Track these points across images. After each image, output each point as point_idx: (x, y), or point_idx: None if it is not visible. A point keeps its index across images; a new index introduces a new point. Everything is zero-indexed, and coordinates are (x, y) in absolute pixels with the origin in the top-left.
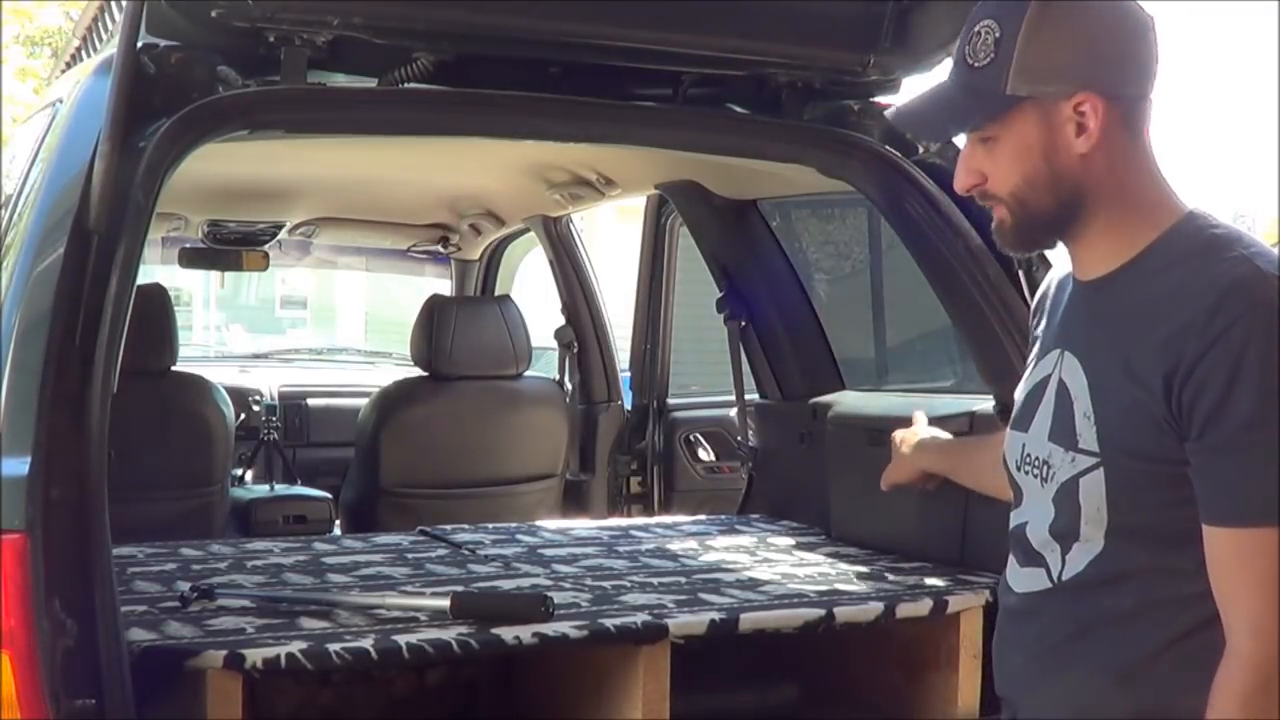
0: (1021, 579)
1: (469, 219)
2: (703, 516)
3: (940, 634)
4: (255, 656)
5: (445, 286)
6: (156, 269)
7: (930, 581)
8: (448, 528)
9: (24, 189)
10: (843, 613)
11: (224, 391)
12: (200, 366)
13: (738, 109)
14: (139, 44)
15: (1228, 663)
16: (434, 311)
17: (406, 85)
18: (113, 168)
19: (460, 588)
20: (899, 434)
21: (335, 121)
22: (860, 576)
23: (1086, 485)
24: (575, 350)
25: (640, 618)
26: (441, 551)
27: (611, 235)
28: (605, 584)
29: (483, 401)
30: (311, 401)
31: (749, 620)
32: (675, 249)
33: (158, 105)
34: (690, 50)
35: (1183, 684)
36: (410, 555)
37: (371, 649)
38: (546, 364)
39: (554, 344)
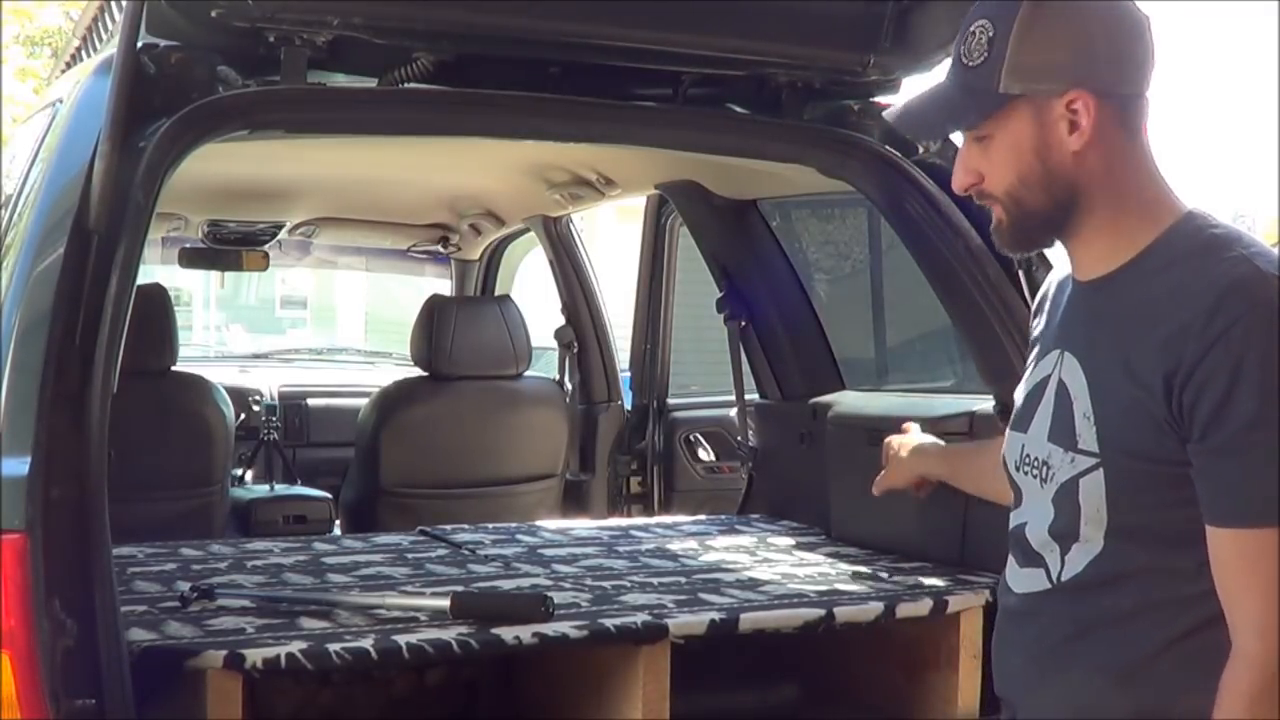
0: (1021, 579)
1: (469, 219)
2: (703, 516)
3: (940, 634)
4: (255, 656)
5: (445, 286)
6: (156, 269)
7: (930, 581)
8: (448, 528)
9: (24, 189)
10: (843, 613)
11: (224, 391)
12: (200, 366)
13: (738, 109)
14: (139, 44)
15: (1234, 663)
16: (434, 311)
17: (406, 85)
18: (113, 168)
19: (460, 588)
20: (893, 440)
21: (335, 121)
22: (860, 576)
23: (1086, 486)
24: (575, 350)
25: (640, 618)
26: (441, 551)
27: (611, 235)
28: (605, 584)
29: (483, 401)
30: (311, 401)
31: (749, 620)
32: (675, 249)
33: (158, 105)
34: (690, 50)
35: (1182, 684)
36: (410, 555)
37: (371, 649)
38: (546, 364)
39: (554, 344)
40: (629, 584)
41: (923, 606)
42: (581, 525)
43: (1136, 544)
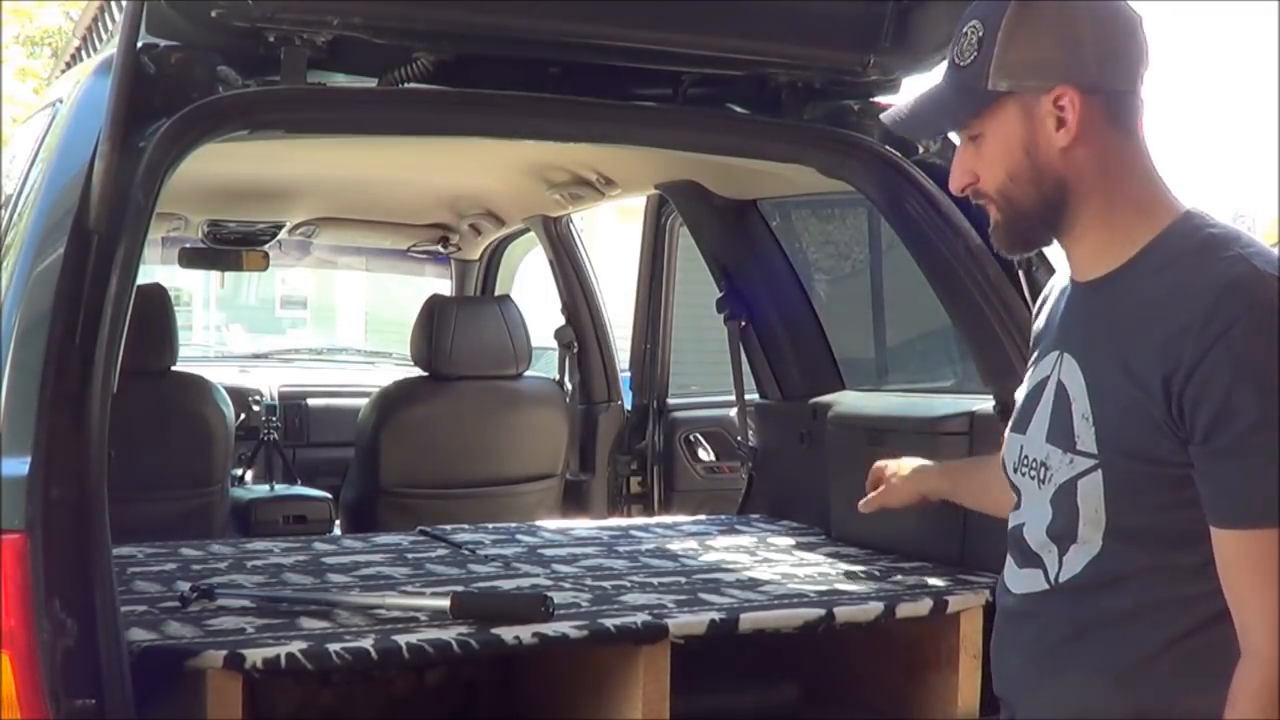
0: (1019, 580)
1: (469, 219)
2: (703, 516)
3: (940, 634)
4: (255, 656)
5: (445, 286)
6: (156, 269)
7: (930, 581)
8: (448, 528)
9: (24, 189)
10: (843, 613)
11: (224, 391)
12: (200, 366)
13: (738, 109)
14: (139, 44)
15: (1245, 664)
16: (434, 311)
17: (406, 85)
18: (113, 168)
19: (460, 588)
20: (888, 465)
21: (335, 121)
22: (860, 576)
23: (1084, 487)
24: (575, 350)
25: (640, 618)
26: (441, 551)
27: (611, 235)
28: (605, 584)
29: (483, 401)
30: (311, 401)
31: (749, 620)
32: (675, 249)
33: (158, 105)
34: (690, 50)
35: (1182, 685)
36: (410, 555)
37: (371, 649)
38: (546, 364)
39: (554, 344)
40: (629, 584)
41: (923, 606)
42: (581, 525)
43: (1135, 545)
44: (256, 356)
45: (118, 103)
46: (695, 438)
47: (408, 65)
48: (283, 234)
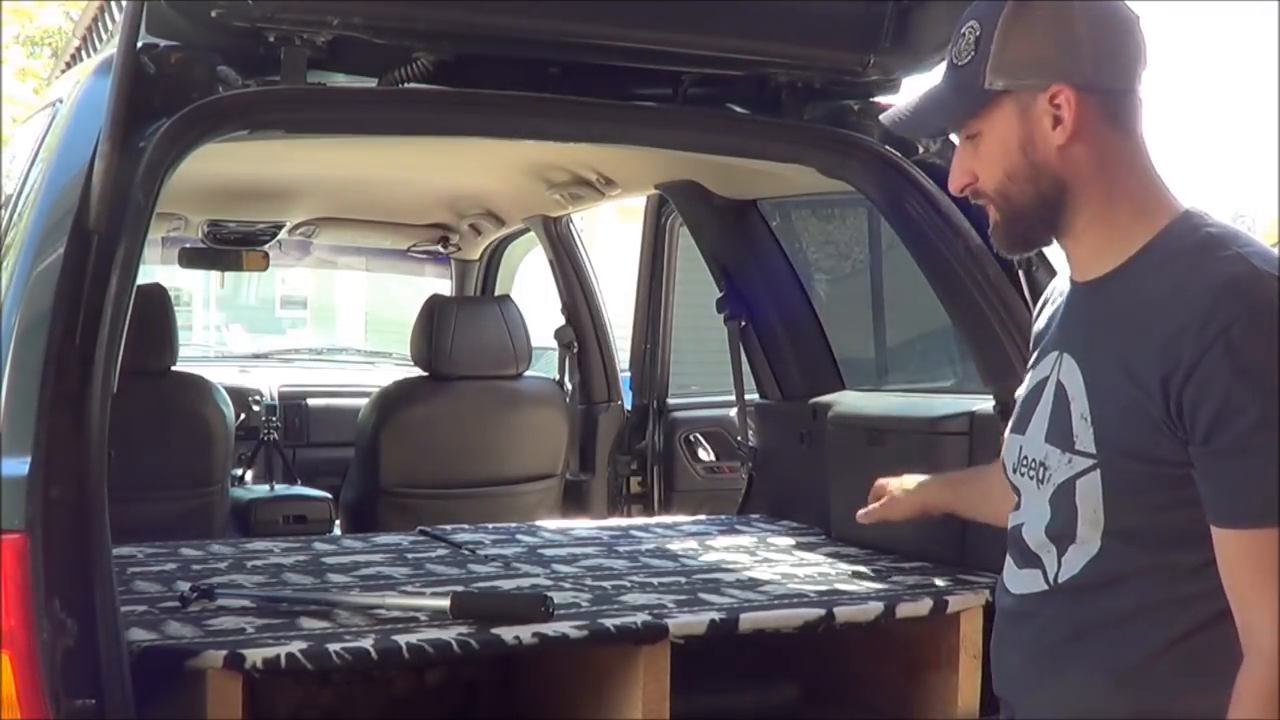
0: (1018, 580)
1: (469, 219)
2: (703, 516)
3: (940, 634)
4: (255, 656)
5: (445, 286)
6: (156, 269)
7: (930, 581)
8: (448, 528)
9: (24, 189)
10: (843, 613)
11: (224, 391)
12: (200, 366)
13: (738, 109)
14: (139, 44)
15: (1248, 663)
16: (434, 311)
17: (406, 85)
18: (113, 168)
19: (460, 588)
20: (890, 483)
21: (335, 121)
22: (860, 576)
23: (1083, 487)
24: (575, 350)
25: (640, 618)
26: (441, 551)
27: (611, 235)
28: (605, 584)
29: (483, 401)
30: (311, 401)
31: (749, 620)
32: (675, 249)
33: (158, 105)
34: (690, 50)
35: (1182, 686)
36: (410, 555)
37: (371, 649)
38: (546, 364)
39: (554, 344)
40: (629, 584)
41: (923, 606)
42: (581, 525)
43: (1134, 545)
44: (256, 356)
45: (118, 103)
46: (695, 438)
47: (408, 65)
48: (283, 234)
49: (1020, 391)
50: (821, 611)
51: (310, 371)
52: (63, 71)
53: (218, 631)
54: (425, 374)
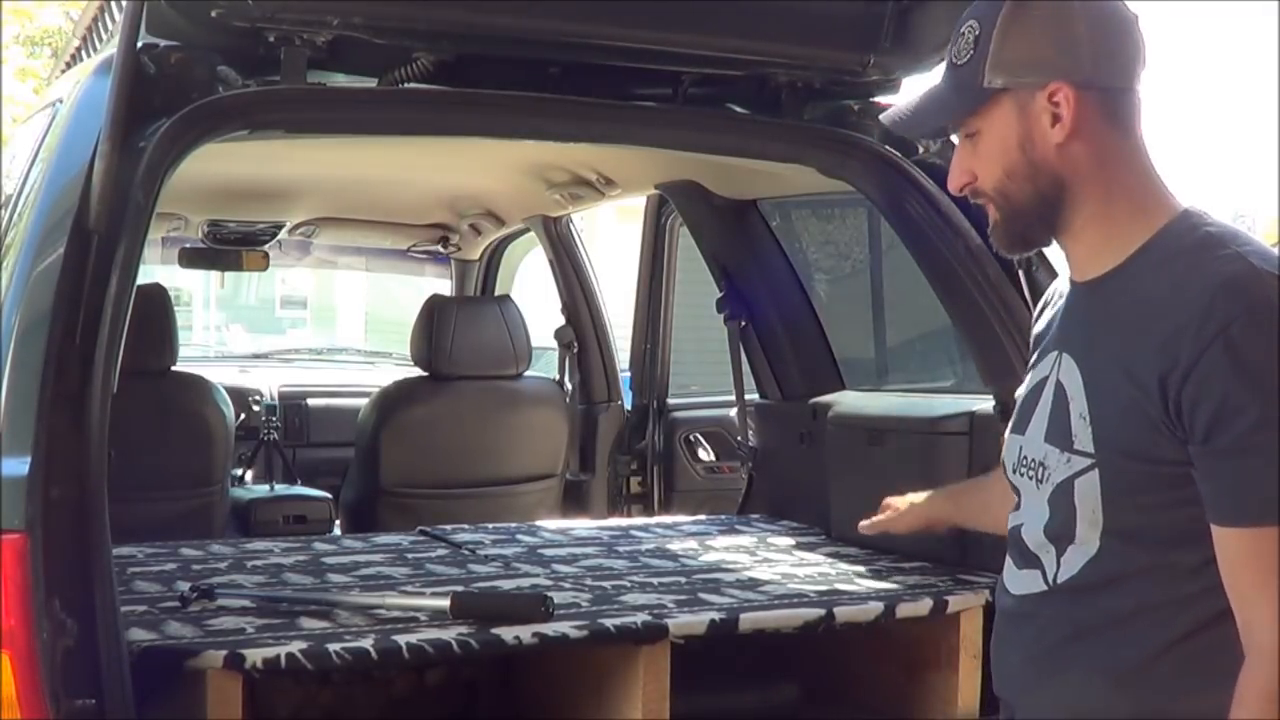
0: (1018, 581)
1: (469, 219)
2: (703, 516)
3: (940, 634)
4: (255, 656)
5: (445, 286)
6: (156, 269)
7: (930, 581)
8: (448, 528)
9: (24, 189)
10: (843, 613)
11: (224, 391)
12: (200, 366)
13: (738, 109)
14: (139, 44)
15: (1250, 662)
16: (434, 311)
17: (406, 85)
18: (113, 168)
19: (460, 588)
20: (895, 500)
21: (335, 121)
22: (860, 576)
23: (1082, 486)
24: (575, 350)
25: (640, 618)
26: (441, 551)
27: (611, 235)
28: (605, 584)
29: (483, 401)
30: (311, 401)
31: (749, 620)
32: (675, 249)
33: (158, 105)
34: (690, 50)
35: (1182, 686)
36: (410, 555)
37: (371, 649)
38: (546, 364)
39: (554, 344)
40: (629, 584)
41: (923, 606)
42: (581, 525)
43: (1133, 545)
44: (256, 356)
45: (118, 103)
46: (695, 438)
47: (408, 65)
48: (283, 234)
49: (1020, 392)
50: (821, 611)
51: (310, 371)
52: (63, 71)
53: (218, 631)
54: (425, 374)
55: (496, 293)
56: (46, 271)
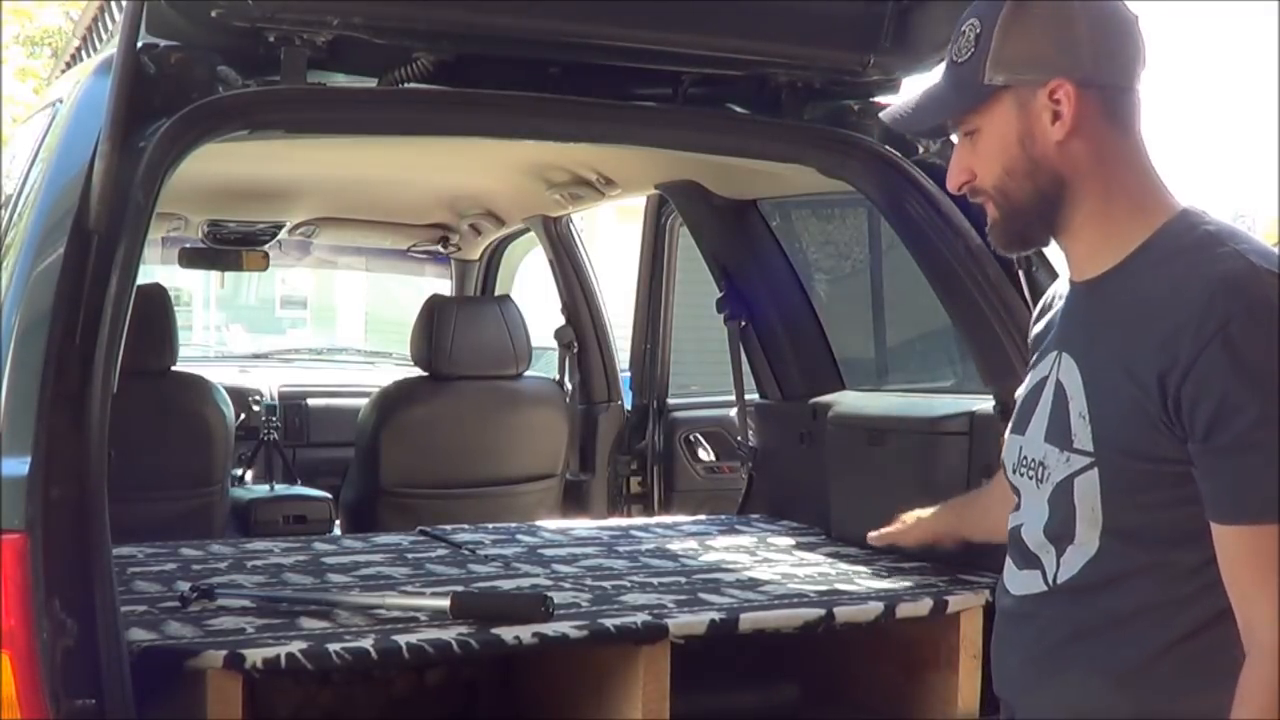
0: (1018, 581)
1: (469, 219)
2: (703, 516)
3: (940, 634)
4: (255, 656)
5: (445, 286)
6: (156, 269)
7: (930, 581)
8: (448, 528)
9: (24, 189)
10: (843, 613)
11: (224, 391)
12: (200, 366)
13: (738, 109)
14: (139, 44)
15: (1251, 660)
16: (434, 311)
17: (406, 85)
18: (113, 168)
19: (460, 588)
20: (906, 514)
21: (335, 121)
22: (860, 576)
23: (1081, 485)
24: (575, 350)
25: (640, 618)
26: (441, 551)
27: (611, 235)
28: (605, 584)
29: (483, 401)
30: (311, 401)
31: (749, 620)
32: (675, 249)
33: (158, 105)
34: (690, 50)
35: (1183, 686)
36: (410, 555)
37: (371, 649)
38: (546, 364)
39: (554, 344)
40: (629, 584)
41: (923, 606)
42: (581, 525)
43: (1133, 544)
44: (256, 356)
45: (118, 103)
46: (695, 438)
47: (408, 65)
48: (283, 234)
49: (1020, 392)
50: (821, 611)
51: (310, 371)
52: (63, 71)
53: (218, 631)
54: (425, 374)
55: (496, 293)
56: (46, 271)
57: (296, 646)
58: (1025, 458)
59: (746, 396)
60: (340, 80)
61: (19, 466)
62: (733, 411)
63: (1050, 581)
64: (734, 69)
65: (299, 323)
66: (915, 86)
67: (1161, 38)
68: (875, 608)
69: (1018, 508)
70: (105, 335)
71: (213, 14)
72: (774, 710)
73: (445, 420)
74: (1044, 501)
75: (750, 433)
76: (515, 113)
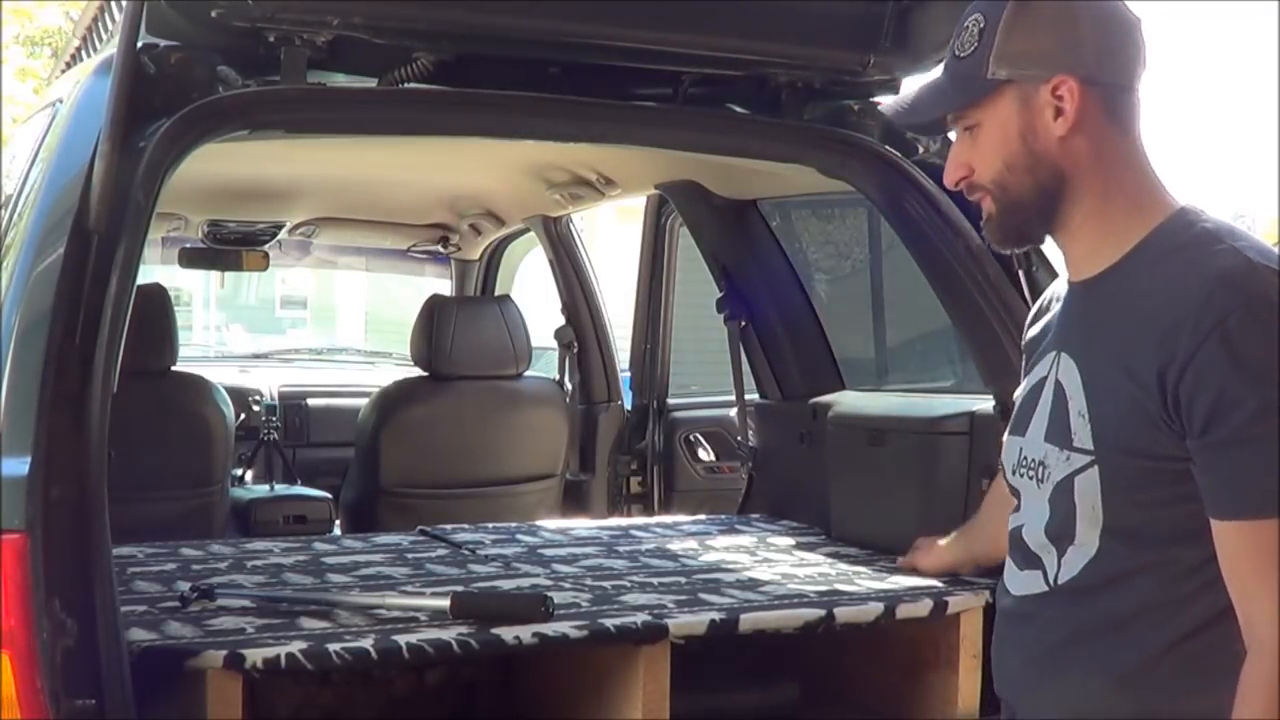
0: (1019, 582)
1: (469, 219)
2: (703, 516)
3: (940, 634)
4: (255, 656)
5: (445, 286)
6: (156, 269)
7: (930, 582)
8: (448, 528)
9: (24, 189)
10: (843, 613)
11: (224, 391)
12: (200, 366)
13: (738, 109)
14: (139, 44)
15: (1252, 657)
16: (434, 311)
17: (406, 85)
18: (113, 168)
19: (460, 588)
20: (925, 540)
21: (335, 121)
22: (860, 577)
23: (1081, 484)
24: (575, 350)
25: (640, 618)
26: (441, 551)
27: (611, 235)
28: (605, 584)
29: (483, 401)
30: (311, 401)
31: (749, 620)
32: (675, 249)
33: (158, 105)
34: (690, 50)
35: (1183, 686)
36: (410, 555)
37: (371, 649)
38: (546, 364)
39: (554, 344)
40: (629, 584)
41: (923, 607)
42: (581, 525)
43: (1133, 543)
44: (256, 356)
45: (118, 103)
46: (695, 438)
47: (408, 65)
48: (283, 234)
49: (1018, 394)
50: (821, 612)
51: (310, 371)
52: (63, 71)
53: (218, 631)
54: (425, 374)
55: (496, 293)
56: (46, 271)
57: (296, 646)
58: (1025, 458)
59: (746, 396)
60: (340, 80)
61: (19, 466)
62: (733, 411)
63: (1051, 582)
64: (734, 69)
65: (299, 323)
66: (915, 86)
67: (1161, 38)
68: (875, 608)
69: (1018, 508)
70: (105, 335)
71: (213, 14)
72: (774, 710)
73: (445, 420)
74: (1044, 501)
75: (750, 433)
76: (515, 113)
